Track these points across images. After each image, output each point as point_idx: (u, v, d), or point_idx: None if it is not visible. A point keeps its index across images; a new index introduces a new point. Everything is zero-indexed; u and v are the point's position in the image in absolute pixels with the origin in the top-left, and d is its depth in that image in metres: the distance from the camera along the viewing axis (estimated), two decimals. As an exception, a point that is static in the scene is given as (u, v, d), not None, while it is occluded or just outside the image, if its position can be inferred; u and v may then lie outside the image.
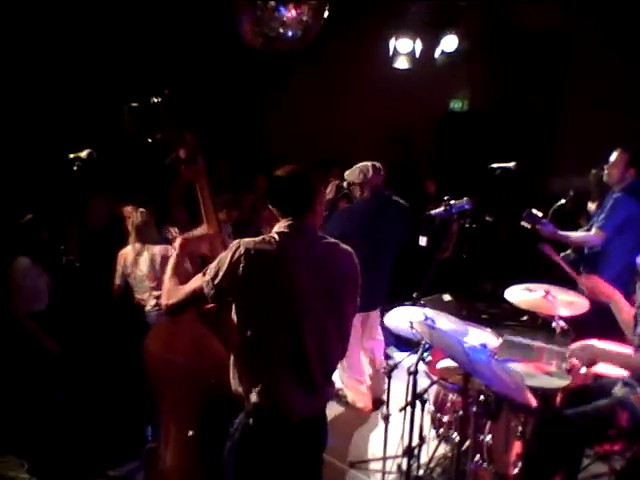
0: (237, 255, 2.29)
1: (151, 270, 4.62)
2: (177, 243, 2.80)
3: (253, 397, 2.35)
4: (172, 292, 2.50)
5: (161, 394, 2.91)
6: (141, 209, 4.80)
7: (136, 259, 4.67)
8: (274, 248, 2.33)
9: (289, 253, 2.34)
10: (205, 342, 2.71)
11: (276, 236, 2.37)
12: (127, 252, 4.72)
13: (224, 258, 2.33)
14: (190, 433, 2.80)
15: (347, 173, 4.86)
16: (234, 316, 2.38)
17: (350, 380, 5.01)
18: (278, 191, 2.45)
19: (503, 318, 6.91)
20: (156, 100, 3.06)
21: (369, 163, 4.77)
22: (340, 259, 2.48)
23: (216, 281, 2.32)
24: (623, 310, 3.44)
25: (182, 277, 2.60)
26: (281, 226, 2.42)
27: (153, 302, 4.61)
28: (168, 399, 2.89)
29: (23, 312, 4.23)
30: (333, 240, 2.50)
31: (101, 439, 4.22)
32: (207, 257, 2.87)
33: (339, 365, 4.91)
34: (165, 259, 4.49)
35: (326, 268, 2.40)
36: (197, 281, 2.40)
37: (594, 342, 3.76)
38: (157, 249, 4.65)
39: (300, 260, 2.35)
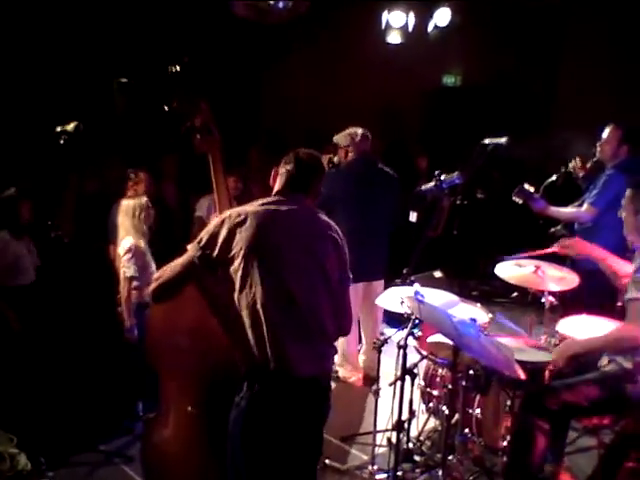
0: (222, 218, 2.44)
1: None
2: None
3: (254, 356, 2.38)
4: (159, 274, 2.53)
5: (162, 371, 2.88)
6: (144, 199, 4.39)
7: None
8: (258, 211, 2.44)
9: (272, 216, 2.46)
10: (208, 320, 2.66)
11: (261, 201, 2.50)
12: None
13: (211, 224, 2.48)
14: (189, 409, 2.79)
15: (336, 137, 4.92)
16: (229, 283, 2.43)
17: (343, 355, 5.02)
18: (298, 172, 2.56)
19: (493, 295, 6.93)
20: (174, 69, 3.04)
21: (359, 129, 4.85)
22: (320, 224, 2.59)
23: (202, 243, 2.43)
24: (612, 267, 3.48)
25: None
26: (272, 196, 2.58)
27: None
28: (169, 376, 2.86)
29: None
30: (319, 212, 2.62)
31: (92, 414, 4.22)
32: None
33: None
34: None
35: (308, 236, 2.51)
36: (184, 255, 2.49)
37: (582, 319, 3.79)
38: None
39: (282, 224, 2.46)
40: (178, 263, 2.48)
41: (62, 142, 4.05)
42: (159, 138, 6.66)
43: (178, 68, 3.05)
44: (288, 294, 2.40)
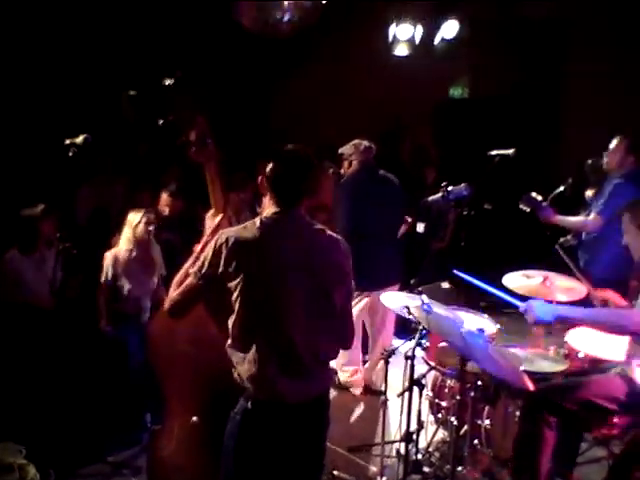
0: (219, 243, 2.34)
1: None
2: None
3: (246, 383, 2.37)
4: (171, 295, 2.51)
5: (165, 380, 2.89)
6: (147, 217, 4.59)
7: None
8: (256, 236, 2.35)
9: (271, 241, 2.36)
10: (207, 328, 2.67)
11: (258, 222, 2.38)
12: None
13: (209, 248, 2.39)
14: (194, 419, 2.80)
15: (341, 149, 4.97)
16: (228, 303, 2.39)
17: (345, 364, 5.02)
18: (278, 178, 2.42)
19: (501, 306, 6.88)
20: (169, 82, 3.07)
21: (364, 141, 4.90)
22: (326, 246, 2.47)
23: (203, 271, 2.37)
24: None
25: None
26: (268, 212, 2.43)
27: None
28: (172, 385, 2.87)
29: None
30: (319, 226, 2.49)
31: (100, 425, 4.22)
32: None
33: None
34: None
35: (310, 256, 2.40)
36: (188, 280, 2.46)
37: (590, 329, 3.77)
38: None
39: (282, 247, 2.36)
40: (184, 288, 2.45)
41: (71, 154, 4.07)
42: (162, 151, 6.73)
43: (172, 82, 3.08)
44: (284, 331, 2.34)
